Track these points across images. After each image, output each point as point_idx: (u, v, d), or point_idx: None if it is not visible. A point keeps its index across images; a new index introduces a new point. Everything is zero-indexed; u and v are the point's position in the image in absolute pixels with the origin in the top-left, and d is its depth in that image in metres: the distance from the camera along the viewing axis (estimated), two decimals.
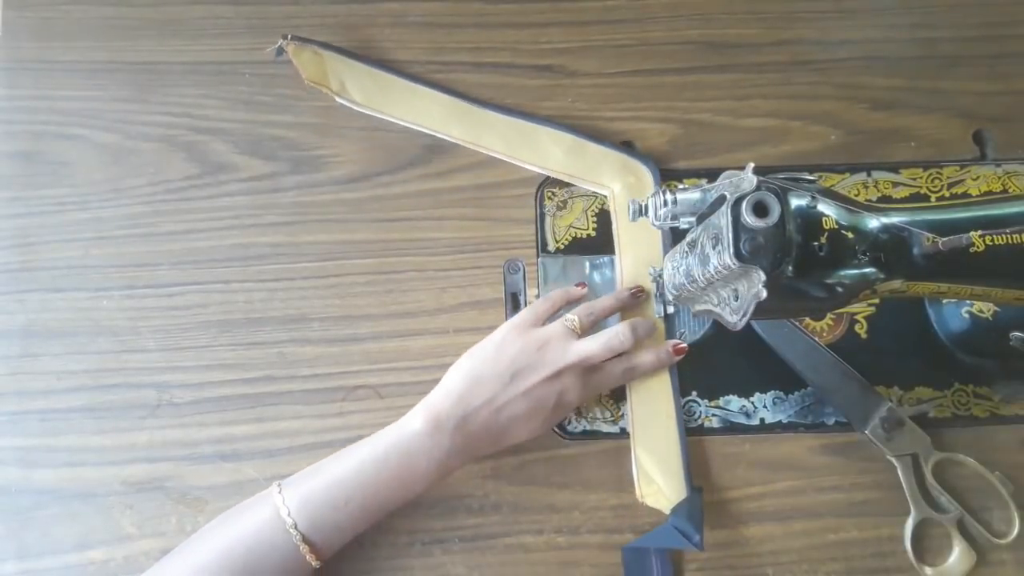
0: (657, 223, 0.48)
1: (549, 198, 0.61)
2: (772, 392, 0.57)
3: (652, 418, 0.56)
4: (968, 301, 0.56)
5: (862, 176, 0.61)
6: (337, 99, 0.62)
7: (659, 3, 0.66)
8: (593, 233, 0.61)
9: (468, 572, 0.54)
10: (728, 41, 0.65)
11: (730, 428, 0.57)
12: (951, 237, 0.42)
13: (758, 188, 0.40)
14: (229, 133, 0.63)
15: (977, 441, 0.56)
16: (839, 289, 0.43)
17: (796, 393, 0.57)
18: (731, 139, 0.62)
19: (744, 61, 0.64)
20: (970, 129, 0.62)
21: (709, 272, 0.43)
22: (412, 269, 0.60)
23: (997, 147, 0.62)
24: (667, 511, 0.54)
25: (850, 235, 0.42)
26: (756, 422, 0.57)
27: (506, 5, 0.65)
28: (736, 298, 0.44)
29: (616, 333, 0.54)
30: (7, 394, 0.58)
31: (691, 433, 0.56)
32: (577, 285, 0.57)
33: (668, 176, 0.61)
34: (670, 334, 0.58)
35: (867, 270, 0.43)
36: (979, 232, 0.43)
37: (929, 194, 0.60)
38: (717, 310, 0.46)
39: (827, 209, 0.42)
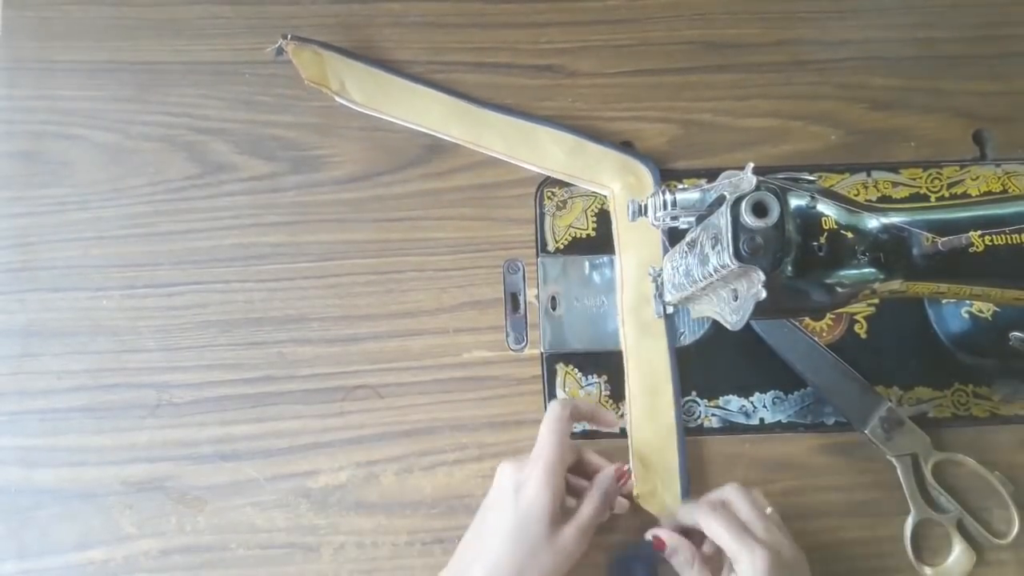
0: (657, 223, 0.47)
1: (549, 198, 0.61)
2: (772, 392, 0.57)
3: (651, 418, 0.56)
4: (968, 301, 0.56)
5: (862, 176, 0.61)
6: (337, 99, 0.63)
7: (659, 3, 0.66)
8: (593, 233, 0.61)
9: None
10: (728, 41, 0.65)
11: (730, 428, 0.57)
12: (950, 237, 0.42)
13: (757, 188, 0.40)
14: (229, 133, 0.63)
15: (977, 441, 0.56)
16: (839, 289, 0.43)
17: (796, 393, 0.57)
18: (731, 139, 0.62)
19: (744, 61, 0.64)
20: (970, 129, 0.62)
21: (708, 272, 0.43)
22: (412, 269, 0.60)
23: (997, 147, 0.62)
24: (658, 513, 0.54)
25: (850, 235, 0.42)
26: (756, 422, 0.57)
27: (506, 5, 0.65)
28: (735, 298, 0.44)
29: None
30: (7, 394, 0.58)
31: (691, 433, 0.56)
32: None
33: (668, 176, 0.61)
34: (670, 334, 0.58)
35: (867, 270, 0.43)
36: (978, 232, 0.43)
37: (929, 194, 0.60)
38: (716, 310, 0.46)
39: (827, 209, 0.42)
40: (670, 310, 0.57)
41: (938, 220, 0.45)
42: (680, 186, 0.53)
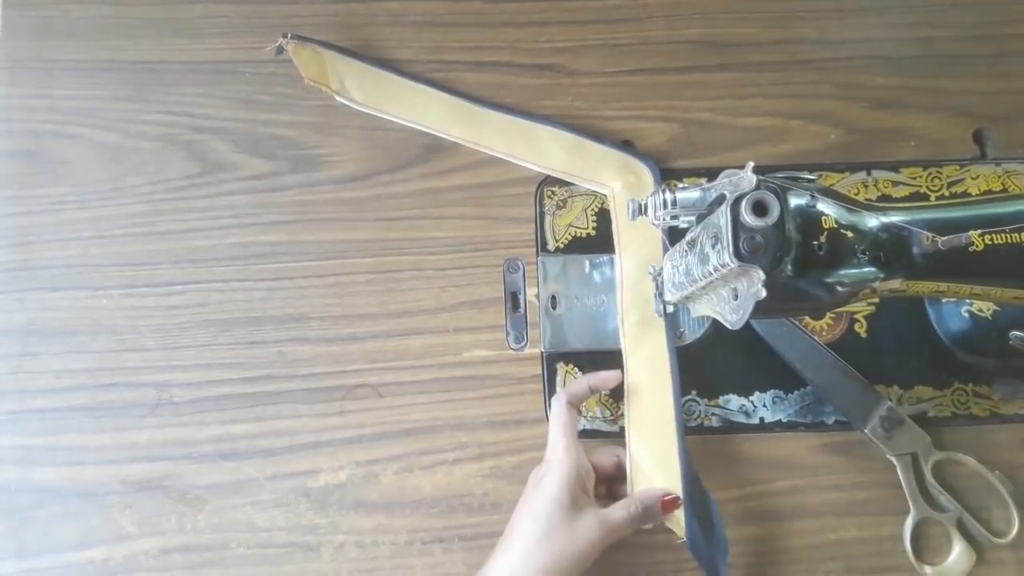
0: (657, 222, 0.47)
1: (549, 197, 0.61)
2: (772, 391, 0.57)
3: (650, 417, 0.56)
4: (968, 300, 0.56)
5: (862, 175, 0.61)
6: (337, 98, 0.62)
7: (659, 2, 0.65)
8: (593, 232, 0.61)
9: (468, 571, 0.54)
10: (728, 40, 0.65)
11: (730, 427, 0.57)
12: (951, 236, 0.42)
13: (757, 187, 0.40)
14: (229, 132, 0.63)
15: (977, 440, 0.56)
16: (838, 288, 0.43)
17: (796, 392, 0.57)
18: (731, 138, 0.62)
19: (744, 60, 0.64)
20: (970, 128, 0.62)
21: (708, 271, 0.43)
22: (412, 268, 0.60)
23: (997, 146, 0.62)
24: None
25: (849, 234, 0.42)
26: (756, 421, 0.57)
27: (506, 4, 0.65)
28: (735, 297, 0.44)
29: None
30: (7, 393, 0.58)
31: (690, 432, 0.56)
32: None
33: (668, 175, 0.61)
34: (670, 333, 0.58)
35: (867, 269, 0.43)
36: (978, 231, 0.43)
37: (929, 193, 0.60)
38: (716, 309, 0.46)
39: (826, 208, 0.42)
40: (670, 309, 0.57)
41: (938, 219, 0.45)
42: (680, 185, 0.53)
